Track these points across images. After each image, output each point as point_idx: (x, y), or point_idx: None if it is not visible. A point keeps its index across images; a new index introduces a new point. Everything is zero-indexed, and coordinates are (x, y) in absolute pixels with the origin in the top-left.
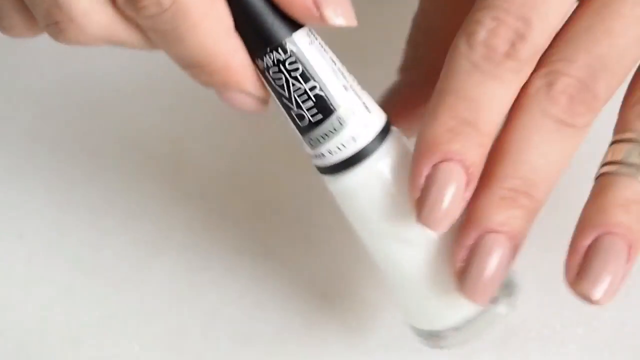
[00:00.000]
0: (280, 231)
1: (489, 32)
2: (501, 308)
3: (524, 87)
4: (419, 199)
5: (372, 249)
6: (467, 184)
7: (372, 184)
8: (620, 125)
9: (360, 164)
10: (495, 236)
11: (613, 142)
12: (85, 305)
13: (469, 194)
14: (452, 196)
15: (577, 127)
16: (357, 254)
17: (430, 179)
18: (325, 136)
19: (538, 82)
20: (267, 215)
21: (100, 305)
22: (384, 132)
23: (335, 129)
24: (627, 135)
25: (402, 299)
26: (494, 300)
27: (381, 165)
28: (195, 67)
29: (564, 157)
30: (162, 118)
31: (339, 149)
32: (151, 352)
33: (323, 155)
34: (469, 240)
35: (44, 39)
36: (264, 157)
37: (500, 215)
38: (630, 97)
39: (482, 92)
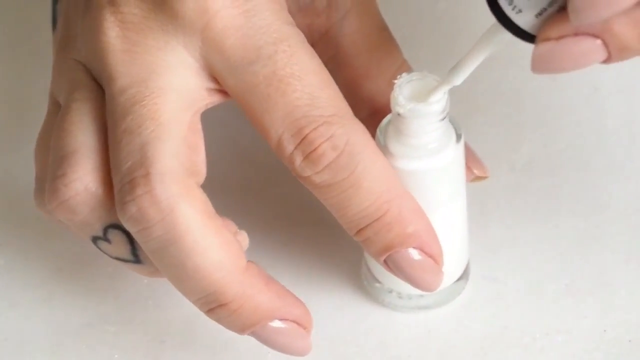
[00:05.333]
0: (259, 238)
1: None
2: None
3: None
4: None
5: None
6: None
7: None
8: None
9: None
10: None
11: None
12: (65, 313)
13: None
14: None
15: None
16: (337, 260)
17: None
18: None
19: None
20: (246, 223)
21: (79, 313)
22: None
23: None
24: None
25: None
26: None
27: None
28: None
29: None
30: None
31: None
32: None
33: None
34: None
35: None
36: (243, 165)
37: None
38: None
39: None
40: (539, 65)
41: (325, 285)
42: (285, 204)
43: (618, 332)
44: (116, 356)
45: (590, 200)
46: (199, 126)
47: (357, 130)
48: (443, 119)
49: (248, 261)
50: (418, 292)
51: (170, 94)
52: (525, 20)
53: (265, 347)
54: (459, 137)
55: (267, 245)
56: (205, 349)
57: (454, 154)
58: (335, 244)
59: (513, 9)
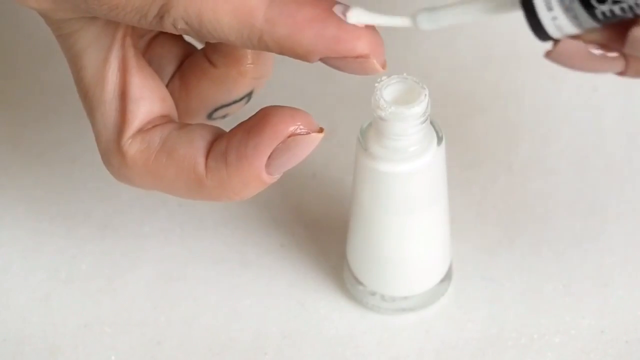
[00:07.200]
0: (257, 240)
1: None
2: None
3: None
4: None
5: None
6: None
7: None
8: None
9: None
10: None
11: None
12: (62, 314)
13: None
14: None
15: None
16: (335, 261)
17: None
18: None
19: None
20: (244, 224)
21: (76, 315)
22: None
23: None
24: None
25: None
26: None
27: None
28: None
29: None
30: None
31: None
32: None
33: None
34: None
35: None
36: None
37: None
38: None
39: None
40: (556, 57)
41: (323, 285)
42: (283, 205)
43: (616, 333)
44: (113, 357)
45: (589, 200)
46: (130, 54)
47: None
48: (424, 122)
49: None
50: (401, 294)
51: (84, 53)
52: (557, 26)
53: (262, 348)
54: (440, 139)
55: (265, 246)
56: (203, 350)
57: (436, 156)
58: (333, 245)
59: (551, 19)
